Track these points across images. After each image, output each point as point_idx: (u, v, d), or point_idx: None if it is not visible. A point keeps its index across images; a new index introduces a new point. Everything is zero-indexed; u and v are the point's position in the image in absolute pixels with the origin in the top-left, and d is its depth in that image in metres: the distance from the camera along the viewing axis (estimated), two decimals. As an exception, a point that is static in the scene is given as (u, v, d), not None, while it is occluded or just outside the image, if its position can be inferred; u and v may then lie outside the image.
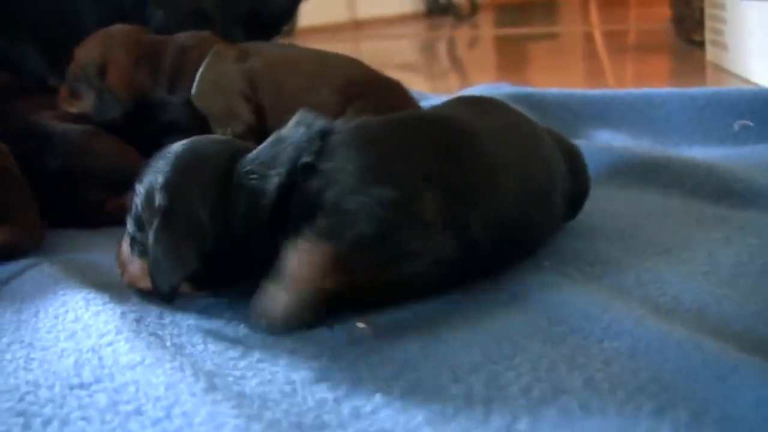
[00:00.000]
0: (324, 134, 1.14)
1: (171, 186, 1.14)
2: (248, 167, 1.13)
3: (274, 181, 1.10)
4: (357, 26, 6.45)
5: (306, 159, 1.11)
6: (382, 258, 1.10)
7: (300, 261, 1.06)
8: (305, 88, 1.71)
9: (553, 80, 3.34)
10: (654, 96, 2.07)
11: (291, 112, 1.20)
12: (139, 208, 1.18)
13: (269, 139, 1.17)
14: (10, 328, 1.23)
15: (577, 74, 3.59)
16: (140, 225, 1.19)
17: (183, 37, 1.81)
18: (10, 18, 2.13)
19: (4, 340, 1.19)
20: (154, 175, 1.17)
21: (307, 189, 1.09)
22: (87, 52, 1.82)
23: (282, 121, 1.20)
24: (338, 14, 6.28)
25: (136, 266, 1.25)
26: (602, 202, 1.55)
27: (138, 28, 1.87)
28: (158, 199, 1.14)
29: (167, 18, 2.08)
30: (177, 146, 1.20)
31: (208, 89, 1.73)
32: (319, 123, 1.16)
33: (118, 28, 1.86)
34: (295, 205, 1.10)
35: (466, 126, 1.24)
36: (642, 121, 2.05)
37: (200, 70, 1.74)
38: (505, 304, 1.16)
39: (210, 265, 1.14)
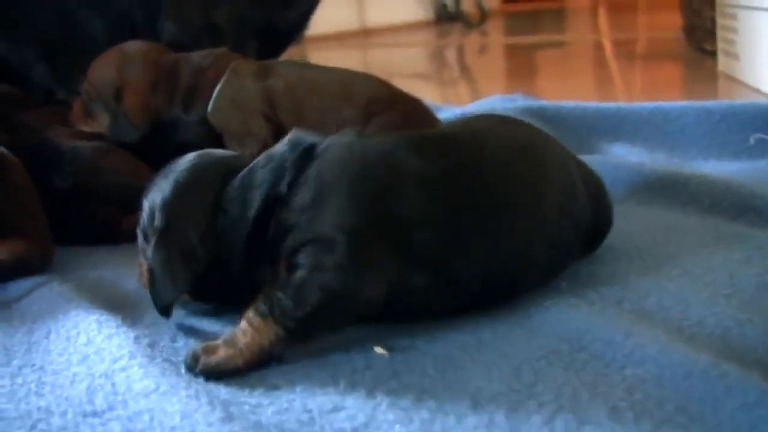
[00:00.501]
0: (307, 155, 1.15)
1: (168, 207, 1.18)
2: (232, 193, 1.16)
3: (250, 213, 1.14)
4: (366, 34, 6.44)
5: (281, 189, 1.13)
6: (330, 320, 1.10)
7: (251, 336, 1.07)
8: (327, 109, 1.69)
9: (562, 89, 3.32)
10: (669, 110, 2.05)
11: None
12: (145, 222, 1.22)
13: (259, 159, 1.19)
14: (21, 350, 1.21)
15: (587, 83, 3.57)
16: (144, 234, 1.23)
17: (199, 56, 1.78)
18: (19, 30, 2.11)
19: (15, 362, 1.17)
20: (157, 192, 1.21)
21: (279, 222, 1.12)
22: (102, 72, 1.79)
23: None
24: (347, 22, 6.26)
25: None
26: (619, 220, 1.52)
27: (155, 47, 1.83)
28: (156, 219, 1.18)
29: (179, 31, 2.06)
30: (180, 164, 1.23)
31: (225, 106, 1.71)
32: (307, 141, 1.18)
33: (135, 47, 1.82)
34: (269, 235, 1.13)
35: (472, 153, 1.20)
36: (657, 135, 2.04)
37: (218, 87, 1.71)
38: (522, 327, 1.14)
39: (203, 283, 1.18)
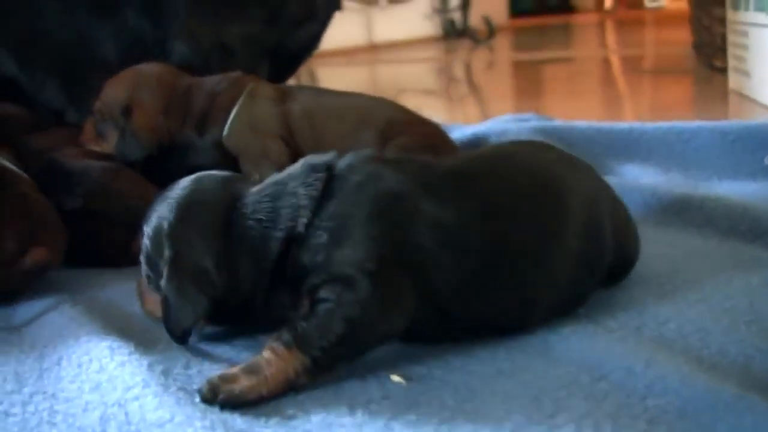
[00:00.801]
0: (325, 191, 1.15)
1: (175, 236, 1.17)
2: (248, 222, 1.16)
3: (270, 251, 1.13)
4: (374, 50, 6.44)
5: (299, 229, 1.12)
6: (355, 350, 1.09)
7: (277, 365, 1.05)
8: (344, 133, 1.68)
9: (571, 106, 3.31)
10: (683, 130, 2.03)
11: None
12: (149, 248, 1.21)
13: (268, 182, 1.19)
14: (32, 377, 1.20)
15: (596, 100, 3.56)
16: (150, 263, 1.22)
17: (213, 80, 1.77)
18: (30, 50, 2.11)
19: (26, 390, 1.16)
20: (159, 220, 1.19)
21: (298, 260, 1.12)
22: (114, 91, 1.78)
23: None
24: (355, 38, 6.26)
25: (152, 299, 1.26)
26: (635, 243, 1.52)
27: (170, 70, 1.82)
28: (165, 250, 1.17)
29: (190, 52, 2.05)
30: (178, 189, 1.21)
31: (242, 130, 1.70)
32: (321, 168, 1.17)
33: (150, 69, 1.81)
34: (289, 269, 1.13)
35: (488, 195, 1.18)
36: (671, 155, 2.02)
37: (234, 111, 1.71)
38: (541, 356, 1.13)
39: (221, 307, 1.17)
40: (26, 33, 2.10)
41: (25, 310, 1.45)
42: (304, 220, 1.12)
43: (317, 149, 1.62)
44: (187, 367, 1.17)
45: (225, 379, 1.05)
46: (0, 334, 1.36)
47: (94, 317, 1.35)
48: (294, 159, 1.58)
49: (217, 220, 1.16)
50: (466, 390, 1.05)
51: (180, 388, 1.10)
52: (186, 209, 1.18)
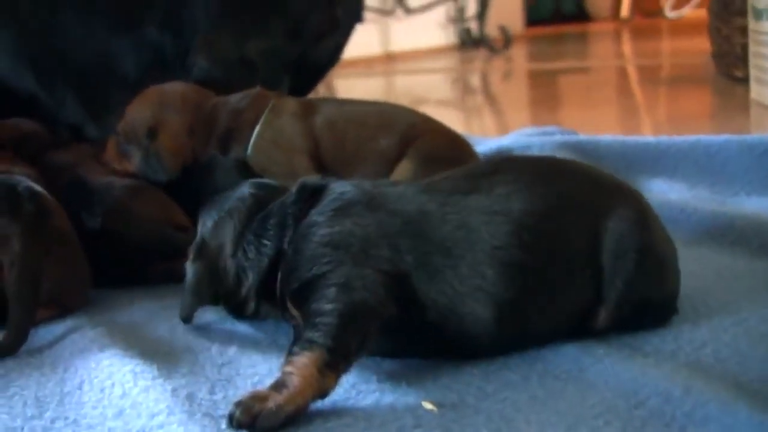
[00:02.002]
0: (307, 209, 1.24)
1: (205, 237, 1.34)
2: (250, 238, 1.29)
3: (262, 264, 1.27)
4: (390, 59, 6.42)
5: (284, 246, 1.24)
6: (359, 331, 1.10)
7: (298, 371, 1.04)
8: (365, 138, 1.67)
9: (589, 117, 3.29)
10: (710, 143, 2.00)
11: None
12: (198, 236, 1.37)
13: (275, 204, 1.30)
14: (54, 402, 1.18)
15: (614, 111, 3.54)
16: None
17: (236, 98, 1.75)
18: (51, 65, 2.09)
19: (48, 415, 1.14)
20: (204, 219, 1.36)
21: (284, 272, 1.22)
22: (139, 113, 1.75)
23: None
24: (372, 48, 6.25)
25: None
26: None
27: (195, 90, 1.80)
28: (194, 245, 1.35)
29: (211, 66, 2.03)
30: (226, 197, 1.36)
31: (267, 148, 1.68)
32: (309, 189, 1.27)
33: (174, 89, 1.78)
34: (278, 279, 1.23)
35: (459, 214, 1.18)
36: (698, 170, 1.99)
37: (257, 129, 1.69)
38: (574, 381, 1.10)
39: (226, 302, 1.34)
40: (45, 49, 2.09)
41: (46, 331, 1.42)
42: (288, 237, 1.23)
43: (339, 156, 1.61)
44: (212, 392, 1.15)
45: (257, 398, 1.02)
46: (20, 357, 1.34)
47: (115, 339, 1.34)
48: (319, 172, 1.58)
49: (235, 232, 1.31)
50: (499, 418, 1.02)
51: (205, 414, 1.08)
52: (221, 216, 1.34)
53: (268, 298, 1.27)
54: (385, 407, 1.07)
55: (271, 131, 1.69)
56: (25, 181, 1.52)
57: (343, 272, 1.12)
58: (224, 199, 1.36)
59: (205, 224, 1.35)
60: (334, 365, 1.05)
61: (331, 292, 1.10)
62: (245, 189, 1.36)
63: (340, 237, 1.17)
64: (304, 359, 1.04)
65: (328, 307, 1.09)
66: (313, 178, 1.31)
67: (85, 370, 1.24)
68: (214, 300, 1.35)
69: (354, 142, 1.68)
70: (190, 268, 1.34)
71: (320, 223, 1.19)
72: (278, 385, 1.03)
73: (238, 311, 1.34)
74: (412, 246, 1.16)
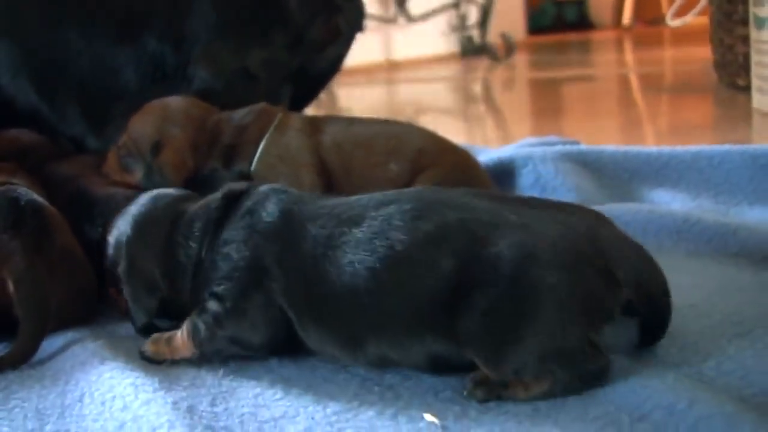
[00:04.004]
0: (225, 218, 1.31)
1: (130, 249, 1.36)
2: (179, 238, 1.33)
3: (189, 263, 1.32)
4: (392, 68, 6.43)
5: (203, 252, 1.31)
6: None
7: (180, 339, 1.29)
8: (373, 164, 1.66)
9: (590, 126, 3.29)
10: (713, 154, 1.99)
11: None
12: (111, 257, 1.40)
13: (200, 204, 1.36)
14: (54, 414, 1.17)
15: (616, 120, 3.54)
16: (113, 269, 1.40)
17: (240, 114, 1.74)
18: (51, 77, 2.09)
19: (49, 428, 1.14)
20: (119, 234, 1.39)
21: (200, 274, 1.30)
22: (143, 127, 1.74)
23: None
24: (373, 55, 6.25)
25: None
26: (669, 273, 1.47)
27: (198, 104, 1.79)
28: (122, 260, 1.37)
29: (211, 77, 2.02)
30: (136, 206, 1.40)
31: (273, 163, 1.67)
32: (229, 194, 1.34)
33: (178, 104, 1.77)
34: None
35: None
36: (700, 180, 1.98)
37: (262, 145, 1.68)
38: (577, 395, 1.09)
39: (171, 305, 1.37)
40: (45, 61, 2.08)
41: (47, 343, 1.41)
42: (205, 247, 1.30)
43: (347, 180, 1.59)
44: (213, 404, 1.15)
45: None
46: (21, 369, 1.33)
47: (116, 352, 1.33)
48: (327, 189, 1.58)
49: (163, 236, 1.34)
50: (501, 431, 1.02)
51: (206, 427, 1.08)
52: (140, 226, 1.37)
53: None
54: (387, 419, 1.07)
55: (276, 147, 1.68)
56: (28, 194, 1.51)
57: (239, 301, 1.24)
58: (139, 208, 1.39)
59: (127, 236, 1.37)
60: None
61: (223, 314, 1.25)
62: (161, 197, 1.41)
63: (243, 263, 1.25)
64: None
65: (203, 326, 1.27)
66: (239, 184, 1.37)
67: (86, 383, 1.23)
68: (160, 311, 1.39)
69: (361, 167, 1.66)
70: (126, 290, 1.38)
71: (233, 243, 1.27)
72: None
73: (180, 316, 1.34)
74: (298, 279, 1.21)
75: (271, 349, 1.26)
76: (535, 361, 1.07)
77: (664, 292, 1.19)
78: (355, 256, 1.15)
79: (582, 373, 1.08)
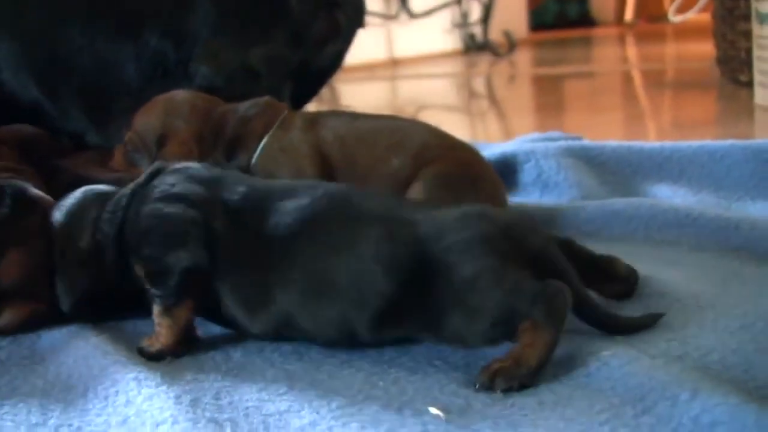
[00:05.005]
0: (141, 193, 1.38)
1: (62, 236, 1.41)
2: (99, 224, 1.39)
3: (109, 245, 1.37)
4: (394, 64, 6.42)
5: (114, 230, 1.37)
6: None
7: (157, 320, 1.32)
8: (375, 159, 1.65)
9: (592, 122, 3.28)
10: (715, 149, 1.99)
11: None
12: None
13: (119, 194, 1.41)
14: (57, 409, 1.17)
15: (618, 116, 3.53)
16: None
17: (245, 107, 1.73)
18: (53, 73, 2.09)
19: (52, 422, 1.14)
20: (55, 224, 1.44)
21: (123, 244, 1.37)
22: (148, 121, 1.74)
23: None
24: (375, 52, 6.24)
25: None
26: (672, 266, 1.48)
27: (203, 97, 1.78)
28: (57, 247, 1.42)
29: (213, 74, 2.02)
30: (70, 199, 1.45)
31: (275, 155, 1.67)
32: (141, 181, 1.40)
33: (183, 97, 1.76)
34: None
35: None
36: (702, 175, 1.97)
37: (265, 139, 1.68)
38: (583, 388, 1.09)
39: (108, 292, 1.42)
40: (47, 57, 2.09)
41: (48, 336, 1.42)
42: (121, 214, 1.37)
43: (350, 175, 1.59)
44: (217, 397, 1.15)
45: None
46: (23, 364, 1.34)
47: (118, 347, 1.32)
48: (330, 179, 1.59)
49: (90, 220, 1.39)
50: (506, 424, 1.02)
51: (210, 420, 1.07)
52: (71, 213, 1.42)
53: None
54: (391, 412, 1.06)
55: (278, 141, 1.68)
56: (23, 185, 1.52)
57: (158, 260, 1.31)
58: (68, 206, 1.44)
59: (59, 236, 1.42)
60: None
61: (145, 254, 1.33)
62: (88, 195, 1.46)
63: (162, 228, 1.32)
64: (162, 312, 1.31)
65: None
66: (167, 163, 1.45)
67: (89, 378, 1.23)
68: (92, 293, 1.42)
69: (364, 162, 1.66)
70: (58, 271, 1.42)
71: (155, 208, 1.34)
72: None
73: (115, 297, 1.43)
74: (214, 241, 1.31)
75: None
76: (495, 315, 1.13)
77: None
78: (282, 219, 1.29)
79: (545, 303, 1.12)
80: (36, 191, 1.53)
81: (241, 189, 1.35)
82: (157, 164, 1.44)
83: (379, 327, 1.21)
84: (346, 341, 1.24)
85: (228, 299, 1.29)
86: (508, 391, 1.09)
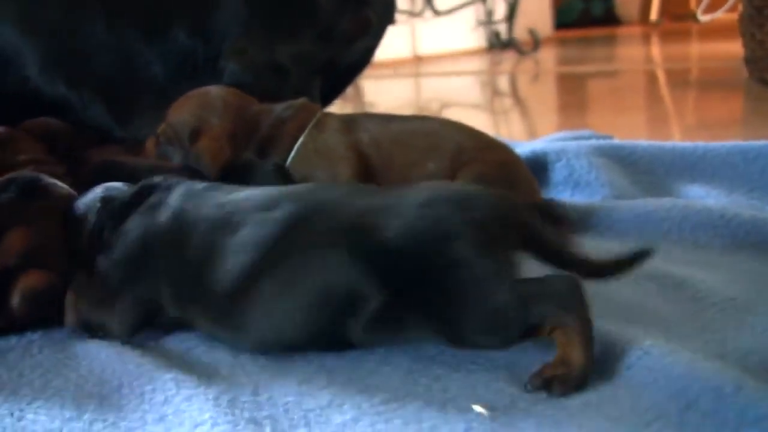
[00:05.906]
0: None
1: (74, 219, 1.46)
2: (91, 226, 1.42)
3: (86, 237, 1.41)
4: (418, 62, 6.42)
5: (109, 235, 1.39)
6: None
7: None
8: (411, 162, 1.64)
9: (617, 121, 3.27)
10: (748, 149, 1.97)
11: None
12: None
13: (118, 197, 1.42)
14: (92, 404, 1.17)
15: (643, 116, 3.51)
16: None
17: (280, 108, 1.73)
18: (80, 69, 2.10)
19: (86, 416, 1.13)
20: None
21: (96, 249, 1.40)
22: (182, 114, 1.74)
23: None
24: (400, 49, 6.24)
25: None
26: (704, 269, 1.47)
27: (237, 93, 1.78)
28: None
29: (241, 71, 2.02)
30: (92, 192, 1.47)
31: (310, 156, 1.66)
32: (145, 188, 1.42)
33: (218, 93, 1.77)
34: None
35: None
36: (735, 175, 1.95)
37: (300, 140, 1.67)
38: (625, 384, 1.08)
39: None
40: (75, 54, 2.09)
41: (79, 333, 1.41)
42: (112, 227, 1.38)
43: (386, 178, 1.58)
44: (255, 393, 1.14)
45: None
46: (57, 359, 1.33)
47: (147, 349, 1.32)
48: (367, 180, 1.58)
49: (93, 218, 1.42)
50: (551, 423, 1.01)
51: (249, 420, 1.07)
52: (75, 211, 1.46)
53: None
54: (435, 410, 1.06)
55: (314, 143, 1.67)
56: (37, 175, 1.52)
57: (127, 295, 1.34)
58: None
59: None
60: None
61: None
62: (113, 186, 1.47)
63: (130, 254, 1.35)
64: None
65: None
66: (157, 177, 1.44)
67: (124, 373, 1.23)
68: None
69: (400, 165, 1.65)
70: None
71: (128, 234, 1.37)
72: None
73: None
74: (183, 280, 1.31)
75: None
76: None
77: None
78: (238, 258, 1.24)
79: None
80: (51, 180, 1.53)
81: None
82: (148, 180, 1.44)
83: (373, 333, 1.19)
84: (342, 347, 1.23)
85: (203, 327, 1.33)
86: (565, 395, 1.07)
